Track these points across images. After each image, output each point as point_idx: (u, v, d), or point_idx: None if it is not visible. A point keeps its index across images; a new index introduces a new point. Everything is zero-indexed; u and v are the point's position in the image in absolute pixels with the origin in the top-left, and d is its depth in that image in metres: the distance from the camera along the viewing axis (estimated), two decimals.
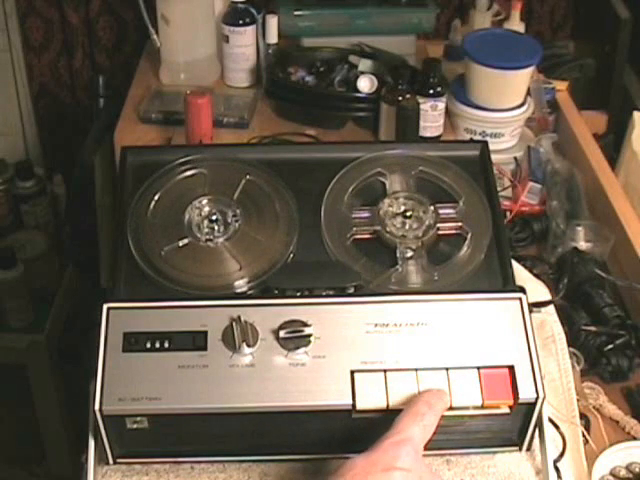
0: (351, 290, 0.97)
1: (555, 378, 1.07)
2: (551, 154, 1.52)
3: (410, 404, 0.86)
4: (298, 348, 0.91)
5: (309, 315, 0.93)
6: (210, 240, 1.01)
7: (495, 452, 0.96)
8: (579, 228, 1.35)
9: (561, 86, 1.67)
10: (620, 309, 1.24)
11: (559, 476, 0.95)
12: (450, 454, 0.96)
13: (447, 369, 0.91)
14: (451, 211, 1.04)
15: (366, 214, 1.03)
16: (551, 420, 0.97)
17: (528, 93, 1.54)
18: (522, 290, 0.97)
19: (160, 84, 1.67)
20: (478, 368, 0.91)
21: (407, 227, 1.02)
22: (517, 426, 0.94)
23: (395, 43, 1.66)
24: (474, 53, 1.47)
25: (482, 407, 0.90)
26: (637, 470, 1.05)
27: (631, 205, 1.39)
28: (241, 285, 0.98)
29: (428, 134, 1.47)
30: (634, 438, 1.09)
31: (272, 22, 1.60)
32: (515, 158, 1.52)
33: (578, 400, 1.06)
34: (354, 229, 1.02)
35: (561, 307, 1.19)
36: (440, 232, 1.02)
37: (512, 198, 1.46)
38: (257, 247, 1.00)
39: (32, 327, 1.85)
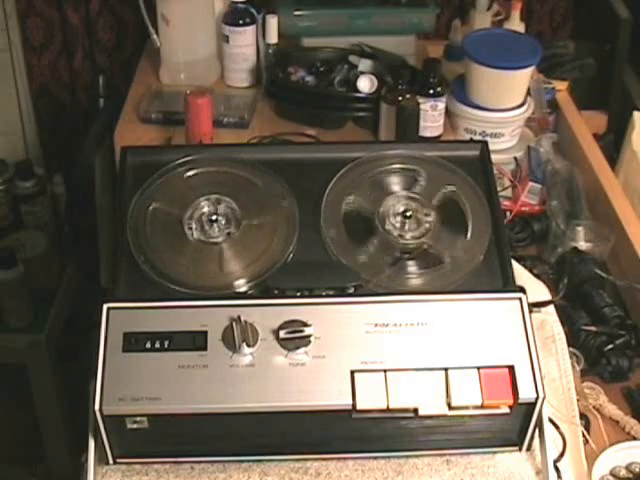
0: (351, 290, 0.97)
1: (555, 378, 1.07)
2: (551, 154, 1.52)
3: None
4: (298, 348, 0.91)
5: (309, 315, 0.93)
6: (210, 240, 1.01)
7: (495, 452, 0.96)
8: (579, 228, 1.35)
9: (561, 86, 1.67)
10: (620, 309, 1.24)
11: (559, 476, 0.95)
12: (450, 454, 0.96)
13: (447, 369, 0.91)
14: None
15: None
16: (551, 420, 0.97)
17: (528, 93, 1.54)
18: (522, 290, 0.97)
19: (160, 84, 1.67)
20: (478, 368, 0.91)
21: (407, 227, 1.02)
22: (517, 426, 0.94)
23: (395, 43, 1.66)
24: (474, 53, 1.47)
25: (482, 407, 0.90)
26: (637, 470, 1.05)
27: (631, 205, 1.39)
28: (241, 285, 0.98)
29: (428, 134, 1.47)
30: (634, 438, 1.09)
31: (272, 22, 1.60)
32: (515, 158, 1.52)
33: (578, 400, 1.06)
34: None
35: (561, 307, 1.19)
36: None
37: (512, 198, 1.46)
38: (257, 247, 1.00)
39: (32, 327, 1.84)
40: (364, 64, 1.60)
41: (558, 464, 0.96)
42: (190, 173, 1.06)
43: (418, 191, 1.05)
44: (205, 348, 0.91)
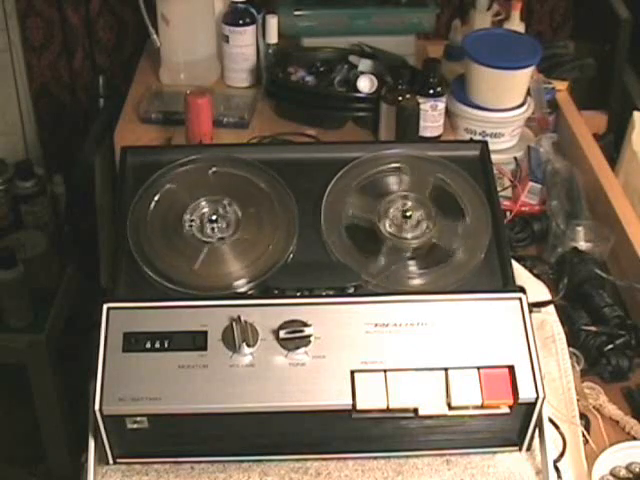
0: (351, 290, 0.97)
1: (555, 378, 1.07)
2: (551, 154, 1.52)
3: None
4: (298, 348, 0.91)
5: (309, 315, 0.93)
6: (210, 240, 1.01)
7: (495, 452, 0.96)
8: (579, 228, 1.35)
9: (561, 86, 1.67)
10: (620, 309, 1.24)
11: (559, 476, 0.95)
12: (450, 454, 0.96)
13: (447, 369, 0.91)
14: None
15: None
16: (551, 420, 0.97)
17: (528, 93, 1.54)
18: (522, 290, 0.97)
19: (160, 84, 1.67)
20: (478, 368, 0.91)
21: (407, 227, 1.02)
22: (517, 426, 0.94)
23: (395, 43, 1.66)
24: (474, 53, 1.47)
25: (482, 407, 0.90)
26: (637, 470, 1.05)
27: (631, 205, 1.39)
28: (241, 285, 0.98)
29: (428, 134, 1.47)
30: (634, 438, 1.09)
31: (272, 22, 1.60)
32: (515, 158, 1.52)
33: (578, 400, 1.06)
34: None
35: (561, 307, 1.19)
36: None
37: (512, 198, 1.46)
38: (257, 247, 1.00)
39: (32, 327, 1.84)
40: (364, 64, 1.60)
41: (558, 464, 0.96)
42: (190, 173, 1.06)
43: (418, 191, 1.05)
44: (205, 348, 0.91)
